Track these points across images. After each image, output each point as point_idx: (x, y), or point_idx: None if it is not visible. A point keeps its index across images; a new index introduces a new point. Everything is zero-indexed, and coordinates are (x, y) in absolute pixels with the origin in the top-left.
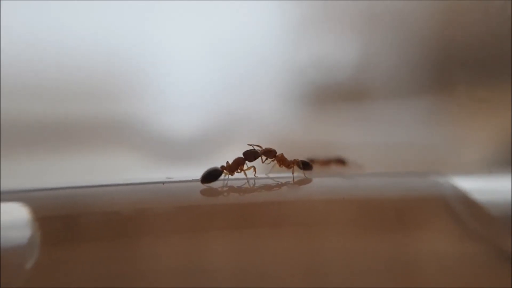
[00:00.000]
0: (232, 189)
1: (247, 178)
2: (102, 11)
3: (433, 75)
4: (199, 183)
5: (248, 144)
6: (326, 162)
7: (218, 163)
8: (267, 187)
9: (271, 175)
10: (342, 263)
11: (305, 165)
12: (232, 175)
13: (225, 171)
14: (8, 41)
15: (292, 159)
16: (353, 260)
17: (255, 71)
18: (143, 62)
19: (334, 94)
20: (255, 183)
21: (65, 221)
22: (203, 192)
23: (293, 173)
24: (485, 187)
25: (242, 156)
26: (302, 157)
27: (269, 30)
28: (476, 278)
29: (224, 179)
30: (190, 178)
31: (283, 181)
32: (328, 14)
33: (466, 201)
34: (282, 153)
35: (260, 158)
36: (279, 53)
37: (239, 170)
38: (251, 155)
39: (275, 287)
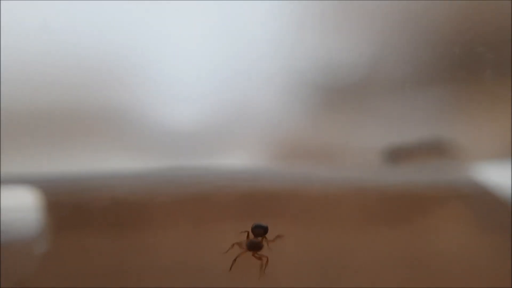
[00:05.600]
0: None
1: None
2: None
3: (449, 71)
4: (210, 171)
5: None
6: None
7: (218, 158)
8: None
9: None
10: (357, 256)
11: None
12: None
13: None
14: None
15: None
16: (365, 252)
17: (259, 66)
18: (145, 57)
19: (341, 91)
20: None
21: (75, 207)
22: None
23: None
24: (503, 176)
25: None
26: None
27: (275, 25)
28: (492, 270)
29: None
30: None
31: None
32: (337, 11)
33: (482, 192)
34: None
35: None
36: (285, 49)
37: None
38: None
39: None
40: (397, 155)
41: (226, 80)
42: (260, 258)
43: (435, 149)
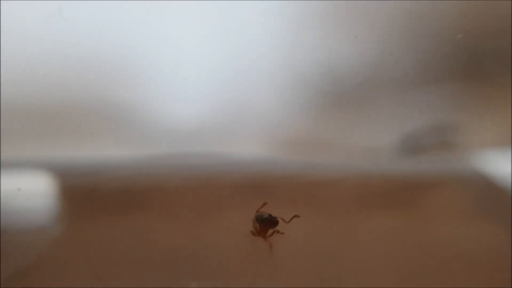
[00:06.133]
0: None
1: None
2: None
3: (451, 67)
4: (219, 158)
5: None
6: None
7: (219, 155)
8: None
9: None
10: (358, 240)
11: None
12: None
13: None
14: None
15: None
16: (366, 237)
17: (259, 66)
18: (149, 58)
19: (342, 91)
20: None
21: (87, 192)
22: None
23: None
24: (503, 164)
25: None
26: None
27: (275, 26)
28: (492, 254)
29: None
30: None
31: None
32: (338, 10)
33: (483, 180)
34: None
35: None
36: (285, 49)
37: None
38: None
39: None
40: (410, 146)
41: (226, 80)
42: (267, 241)
43: (440, 139)
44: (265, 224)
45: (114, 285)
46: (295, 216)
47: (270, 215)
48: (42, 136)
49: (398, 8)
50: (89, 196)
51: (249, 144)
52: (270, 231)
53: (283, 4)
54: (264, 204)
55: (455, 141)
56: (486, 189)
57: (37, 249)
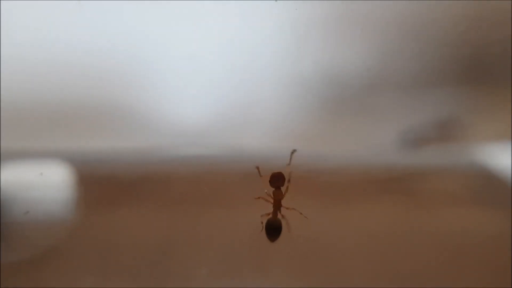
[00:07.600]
0: None
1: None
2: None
3: (452, 67)
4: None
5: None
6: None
7: (228, 147)
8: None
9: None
10: (362, 229)
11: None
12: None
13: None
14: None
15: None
16: (367, 225)
17: (267, 72)
18: (166, 64)
19: (346, 92)
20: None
21: (105, 182)
22: None
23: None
24: (503, 157)
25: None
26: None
27: (281, 34)
28: (492, 245)
29: None
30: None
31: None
32: (342, 16)
33: (483, 173)
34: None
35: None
36: (291, 55)
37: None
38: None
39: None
40: (413, 139)
41: (235, 85)
42: (284, 216)
43: (442, 133)
44: (274, 181)
45: (126, 269)
46: (292, 152)
47: (272, 172)
48: (60, 130)
49: (399, 11)
50: (103, 185)
51: (257, 139)
52: (283, 189)
53: (288, 9)
54: (294, 151)
55: (457, 135)
56: (486, 181)
57: (54, 232)
